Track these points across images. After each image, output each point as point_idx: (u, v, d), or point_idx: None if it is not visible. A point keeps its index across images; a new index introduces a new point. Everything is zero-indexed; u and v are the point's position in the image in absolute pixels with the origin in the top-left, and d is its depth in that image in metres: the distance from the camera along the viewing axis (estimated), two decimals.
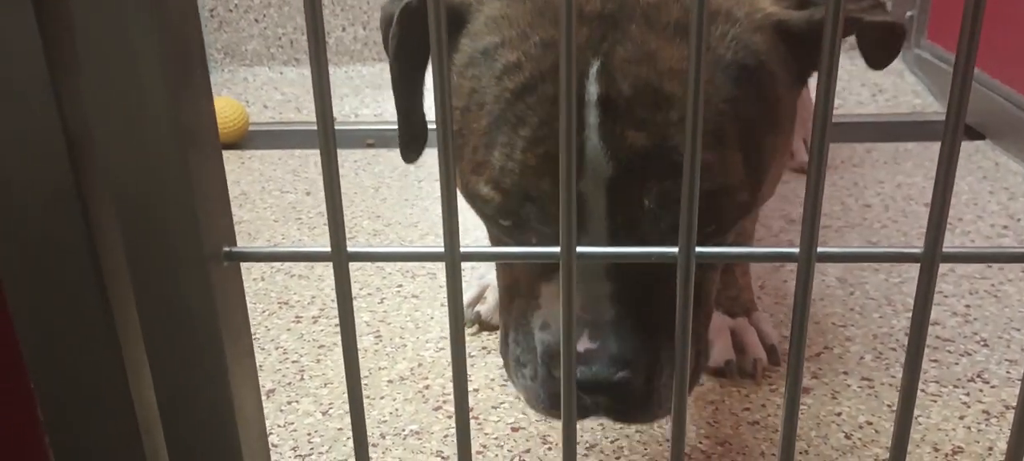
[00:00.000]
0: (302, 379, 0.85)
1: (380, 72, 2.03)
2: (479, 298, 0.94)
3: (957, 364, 0.84)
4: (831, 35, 0.31)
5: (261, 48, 2.06)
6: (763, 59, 0.56)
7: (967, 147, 1.45)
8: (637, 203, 0.53)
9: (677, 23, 0.54)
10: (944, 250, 0.35)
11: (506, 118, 0.54)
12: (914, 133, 1.56)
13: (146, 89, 0.34)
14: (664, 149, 0.52)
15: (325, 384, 0.84)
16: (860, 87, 1.80)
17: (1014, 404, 0.78)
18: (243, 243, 1.17)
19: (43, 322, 0.38)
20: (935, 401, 0.79)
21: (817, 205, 0.34)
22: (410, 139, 0.71)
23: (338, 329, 0.87)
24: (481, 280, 0.96)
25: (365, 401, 0.81)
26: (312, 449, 0.74)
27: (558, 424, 0.76)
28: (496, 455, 0.73)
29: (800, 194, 1.29)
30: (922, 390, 0.80)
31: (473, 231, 1.19)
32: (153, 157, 0.35)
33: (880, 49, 0.61)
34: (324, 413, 0.79)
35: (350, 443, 0.75)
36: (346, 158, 1.50)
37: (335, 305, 0.79)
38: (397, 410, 0.79)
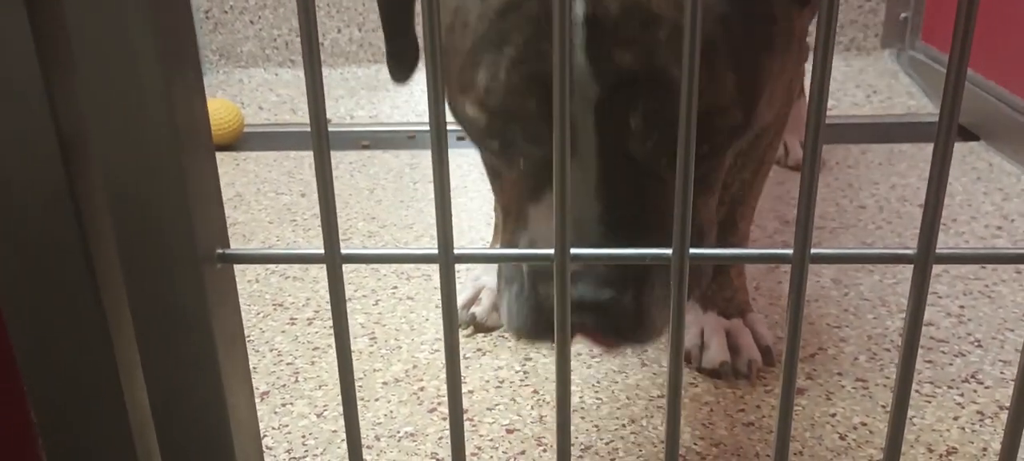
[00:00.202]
0: (296, 381, 0.85)
1: (375, 74, 2.02)
2: (474, 300, 0.94)
3: (951, 365, 0.84)
4: (825, 37, 0.31)
5: (256, 50, 2.06)
6: None
7: (961, 148, 1.45)
8: (625, 123, 0.52)
9: None
10: (938, 251, 0.35)
11: (490, 37, 0.53)
12: (908, 134, 1.57)
13: (140, 90, 0.34)
14: (652, 69, 0.51)
15: (320, 386, 0.84)
16: (854, 88, 1.81)
17: (1008, 405, 0.79)
18: (238, 245, 1.17)
19: (36, 324, 0.38)
20: (929, 402, 0.79)
21: (811, 206, 0.34)
22: (397, 55, 0.69)
23: (333, 331, 0.87)
24: (476, 282, 0.96)
25: (360, 403, 0.80)
26: (306, 451, 0.74)
27: (553, 425, 0.76)
28: (491, 457, 0.73)
29: (794, 195, 1.30)
30: (916, 391, 0.81)
31: (468, 232, 1.19)
32: (146, 158, 0.35)
33: None
34: (318, 415, 0.79)
35: (344, 445, 0.75)
36: (341, 159, 1.50)
37: (330, 307, 0.79)
38: (392, 412, 0.79)
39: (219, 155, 1.55)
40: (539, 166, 0.55)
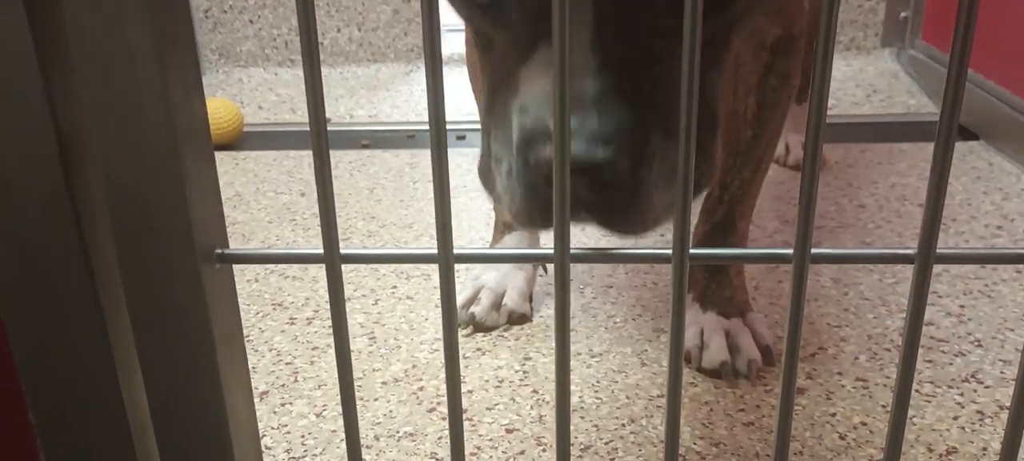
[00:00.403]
0: (296, 381, 0.84)
1: (375, 73, 2.02)
2: (473, 299, 0.94)
3: (951, 364, 0.84)
4: (826, 36, 0.31)
5: (256, 49, 2.06)
6: None
7: (961, 148, 1.45)
8: None
9: None
10: (938, 251, 0.35)
11: None
12: (908, 134, 1.57)
13: (139, 90, 0.34)
14: None
15: (319, 386, 0.83)
16: (854, 87, 1.81)
17: (1008, 404, 0.79)
18: (237, 244, 1.17)
19: (35, 324, 0.38)
20: (929, 401, 0.79)
21: (811, 206, 0.34)
22: None
23: (332, 331, 0.87)
24: (475, 281, 0.96)
25: (359, 403, 0.80)
26: (306, 451, 0.74)
27: (552, 425, 0.76)
28: (490, 456, 0.73)
29: (794, 194, 1.30)
30: (916, 390, 0.81)
31: (468, 232, 1.19)
32: (145, 158, 0.35)
33: None
34: (318, 415, 0.79)
35: (344, 445, 0.75)
36: (341, 159, 1.50)
37: (329, 307, 0.79)
38: (391, 412, 0.79)
39: (219, 154, 1.55)
40: (533, 17, 0.51)
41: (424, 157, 1.48)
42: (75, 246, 0.36)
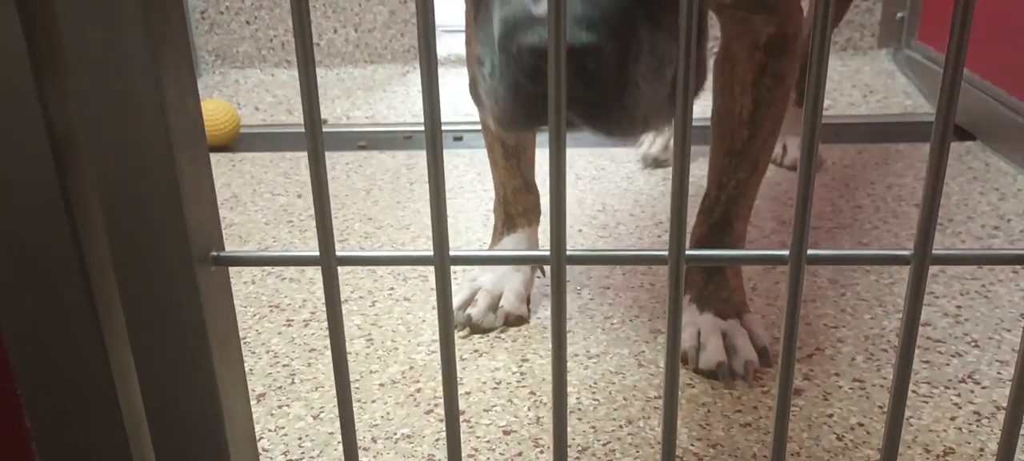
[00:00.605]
0: (293, 383, 0.84)
1: (371, 74, 2.02)
2: (470, 301, 0.94)
3: (948, 365, 0.84)
4: (821, 36, 0.31)
5: (252, 50, 2.06)
6: None
7: (957, 148, 1.45)
8: None
9: None
10: (934, 252, 0.35)
11: None
12: (905, 134, 1.57)
13: (133, 92, 0.34)
14: None
15: (316, 388, 0.83)
16: (851, 88, 1.81)
17: (1005, 405, 0.79)
18: (234, 246, 1.17)
19: (30, 326, 0.38)
20: (926, 402, 0.79)
21: (808, 207, 0.34)
22: None
23: (329, 333, 0.86)
24: (472, 283, 0.96)
25: (356, 405, 0.80)
26: (303, 453, 0.74)
27: (550, 427, 0.76)
28: (488, 458, 0.73)
29: (791, 195, 1.30)
30: (913, 391, 0.81)
31: (465, 234, 1.19)
32: (140, 160, 0.35)
33: None
34: (315, 417, 0.79)
35: (341, 447, 0.75)
36: (338, 160, 1.50)
37: (326, 309, 0.79)
38: (388, 413, 0.79)
39: (215, 156, 1.55)
40: None
41: (421, 158, 1.47)
42: (70, 248, 0.36)
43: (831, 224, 1.18)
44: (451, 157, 1.49)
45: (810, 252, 0.35)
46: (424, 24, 0.32)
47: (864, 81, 1.84)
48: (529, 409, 0.79)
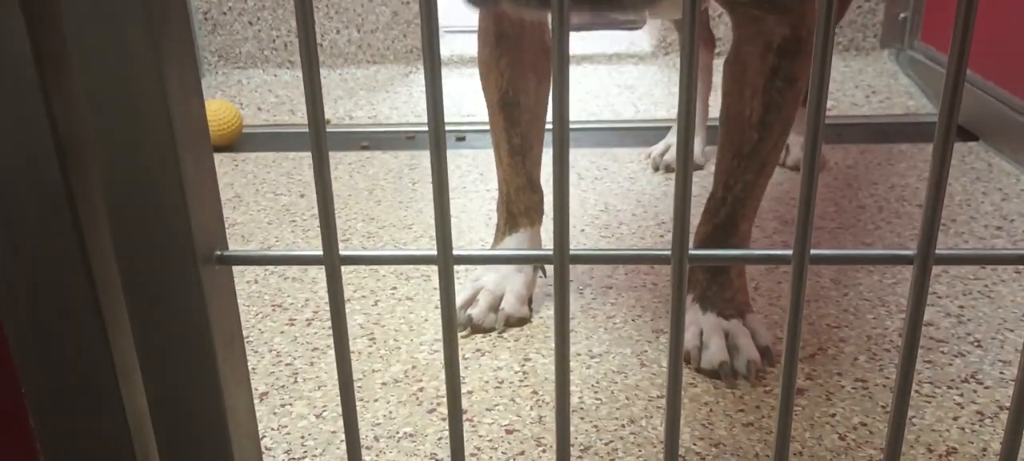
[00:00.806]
0: (296, 382, 0.84)
1: (374, 74, 2.02)
2: (472, 301, 0.94)
3: (951, 365, 0.84)
4: (824, 36, 0.31)
5: (255, 51, 2.06)
6: None
7: (960, 148, 1.45)
8: None
9: None
10: (937, 252, 0.35)
11: None
12: (907, 134, 1.57)
13: (137, 92, 0.34)
14: None
15: (319, 387, 0.83)
16: (854, 88, 1.81)
17: (1008, 405, 0.79)
18: (237, 246, 1.17)
19: (34, 325, 0.38)
20: (929, 402, 0.79)
21: (811, 207, 0.34)
22: None
23: (332, 332, 0.87)
24: (475, 283, 0.96)
25: (359, 404, 0.80)
26: (305, 452, 0.74)
27: (552, 426, 0.76)
28: (490, 457, 0.73)
29: (793, 195, 1.30)
30: (916, 391, 0.81)
31: (467, 233, 1.19)
32: (144, 160, 0.35)
33: None
34: (318, 416, 0.79)
35: (344, 446, 0.75)
36: (340, 160, 1.50)
37: (329, 308, 0.79)
38: (391, 412, 0.79)
39: (218, 156, 1.55)
40: None
41: (423, 158, 1.48)
42: (74, 247, 0.36)
43: (834, 224, 1.18)
44: (454, 157, 1.49)
45: (813, 252, 0.35)
46: (428, 26, 0.32)
47: (867, 82, 1.84)
48: (532, 408, 0.79)
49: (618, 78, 1.94)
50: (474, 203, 1.29)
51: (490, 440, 0.75)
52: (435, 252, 0.36)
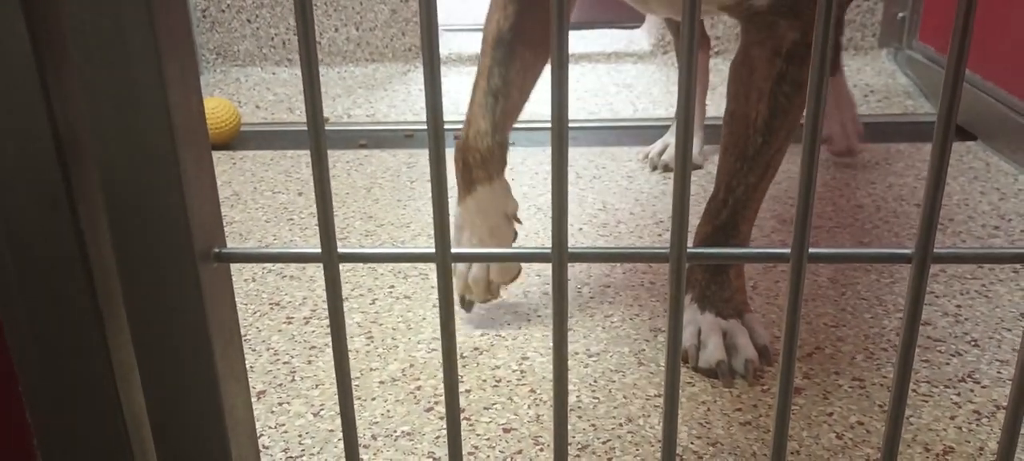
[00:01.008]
0: (293, 380, 0.84)
1: (373, 72, 2.02)
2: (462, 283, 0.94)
3: (948, 364, 0.85)
4: (823, 37, 0.31)
5: (253, 48, 2.06)
6: None
7: (958, 148, 1.45)
8: None
9: None
10: (935, 251, 0.35)
11: None
12: (906, 134, 1.57)
13: (136, 89, 0.34)
14: None
15: (316, 385, 0.83)
16: (852, 88, 1.81)
17: (1005, 404, 0.79)
18: (234, 244, 1.17)
19: (32, 323, 0.38)
20: (926, 401, 0.79)
21: (809, 206, 0.34)
22: None
23: (330, 330, 0.86)
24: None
25: (356, 402, 0.80)
26: (303, 451, 0.74)
27: (550, 424, 0.76)
28: (488, 456, 0.73)
29: (791, 194, 1.30)
30: (913, 390, 0.81)
31: None
32: (143, 157, 0.35)
33: None
34: (315, 414, 0.79)
35: (341, 445, 0.75)
36: (339, 158, 1.50)
37: (327, 306, 0.79)
38: (389, 411, 0.79)
39: (216, 154, 1.55)
40: None
41: (422, 156, 1.47)
42: (73, 244, 0.36)
43: (832, 223, 1.18)
44: (452, 155, 1.48)
45: (811, 251, 0.35)
46: (427, 24, 0.32)
47: (865, 81, 1.84)
48: (529, 407, 0.79)
49: (616, 77, 1.94)
50: None
51: (488, 439, 0.75)
52: (433, 250, 0.36)
